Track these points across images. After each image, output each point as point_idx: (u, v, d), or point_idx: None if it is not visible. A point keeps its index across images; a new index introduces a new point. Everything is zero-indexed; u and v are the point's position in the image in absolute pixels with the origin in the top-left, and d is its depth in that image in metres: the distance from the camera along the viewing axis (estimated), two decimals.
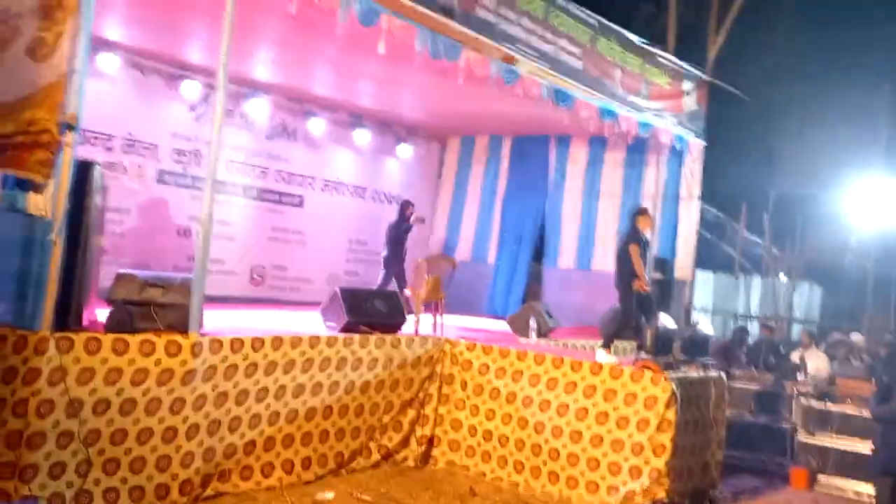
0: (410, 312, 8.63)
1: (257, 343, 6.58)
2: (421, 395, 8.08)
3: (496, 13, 8.28)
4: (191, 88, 10.49)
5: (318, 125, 12.05)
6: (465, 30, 7.89)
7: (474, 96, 9.27)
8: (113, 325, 5.99)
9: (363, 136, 12.68)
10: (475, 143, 13.81)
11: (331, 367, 7.19)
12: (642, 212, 8.20)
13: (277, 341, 6.74)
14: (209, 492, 6.28)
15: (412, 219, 11.10)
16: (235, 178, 11.29)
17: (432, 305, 8.99)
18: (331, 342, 7.19)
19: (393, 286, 10.36)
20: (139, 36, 9.32)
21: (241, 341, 6.47)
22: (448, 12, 7.68)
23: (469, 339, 8.40)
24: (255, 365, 6.56)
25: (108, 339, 5.67)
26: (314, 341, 7.04)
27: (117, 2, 7.82)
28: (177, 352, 5.99)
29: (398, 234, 11.03)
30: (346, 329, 7.53)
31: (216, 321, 7.02)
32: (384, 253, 11.05)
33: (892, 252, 16.71)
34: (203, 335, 6.21)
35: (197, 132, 10.66)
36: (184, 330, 6.10)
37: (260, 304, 10.62)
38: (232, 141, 11.06)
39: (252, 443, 6.60)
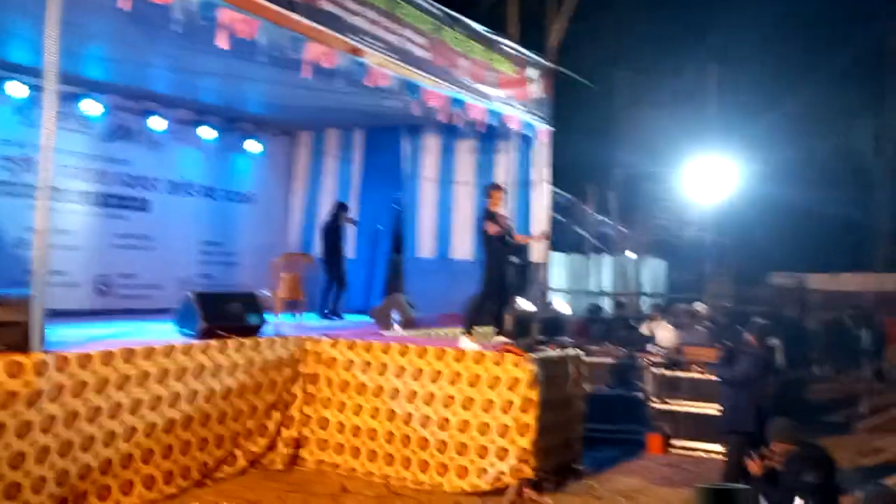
0: (270, 313, 8.45)
1: (106, 357, 6.27)
2: (285, 396, 7.95)
3: (340, 5, 8.17)
4: (17, 90, 9.81)
5: (159, 124, 11.54)
6: (309, 22, 7.75)
7: (322, 89, 9.14)
8: None
9: (208, 134, 12.25)
10: (326, 136, 13.64)
11: (188, 375, 6.94)
12: (491, 189, 8.32)
13: (128, 353, 6.44)
14: None
15: (343, 220, 11.44)
16: (72, 184, 10.64)
17: (291, 304, 8.85)
18: (186, 350, 6.94)
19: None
20: None
21: (89, 356, 6.15)
22: (290, 5, 7.52)
23: (331, 336, 8.31)
24: (105, 380, 6.25)
25: None
26: (168, 350, 6.78)
27: None
28: (19, 372, 5.64)
29: (331, 236, 11.28)
30: (202, 335, 7.28)
31: (60, 337, 6.64)
32: (320, 255, 11.30)
33: (726, 224, 17.84)
34: (47, 353, 5.86)
35: (26, 137, 9.98)
36: (25, 349, 5.73)
37: (108, 315, 10.09)
38: (66, 145, 10.38)
39: (108, 461, 6.30)
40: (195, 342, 7.10)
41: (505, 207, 8.96)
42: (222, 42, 6.89)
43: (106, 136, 11.06)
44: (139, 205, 11.52)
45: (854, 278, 21.31)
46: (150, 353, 6.61)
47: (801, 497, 5.56)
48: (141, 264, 11.43)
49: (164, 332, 7.76)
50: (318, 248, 12.18)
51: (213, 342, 7.20)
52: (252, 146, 13.00)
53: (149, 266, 11.52)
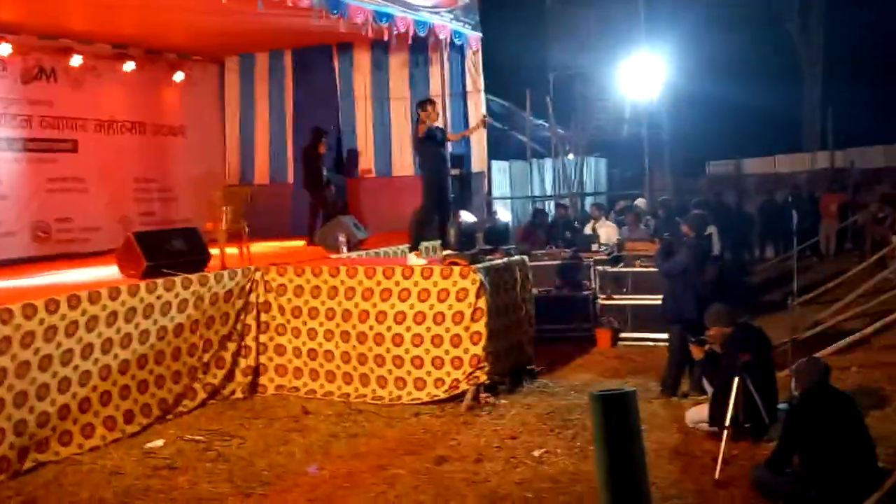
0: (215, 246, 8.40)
1: (52, 305, 6.22)
2: (239, 327, 8.00)
3: None
4: None
5: (77, 62, 11.11)
6: None
7: (244, 12, 8.90)
8: None
9: (131, 68, 11.85)
10: (255, 60, 13.33)
11: (138, 316, 6.93)
12: (423, 105, 8.30)
13: (74, 299, 6.40)
14: (28, 464, 6.01)
15: (323, 146, 11.28)
16: None
17: (236, 236, 8.80)
18: (133, 291, 6.91)
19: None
20: None
21: (34, 306, 6.10)
22: None
23: (279, 264, 8.33)
24: (53, 328, 6.22)
25: None
26: (114, 293, 6.74)
27: None
28: None
29: (311, 163, 11.20)
30: (147, 275, 7.23)
31: (1, 288, 6.56)
32: (302, 183, 11.43)
33: (662, 119, 17.98)
34: None
35: None
36: None
37: (48, 261, 9.95)
38: None
39: (66, 407, 6.32)
40: (140, 282, 7.06)
41: (440, 120, 8.92)
42: None
43: (24, 79, 10.67)
44: (68, 146, 11.24)
45: (787, 159, 21.90)
46: (96, 297, 6.57)
47: (739, 376, 5.85)
48: (77, 207, 11.23)
49: (108, 275, 7.70)
50: (300, 176, 12.01)
51: (158, 281, 7.16)
52: (178, 76, 12.66)
53: (85, 208, 11.33)
